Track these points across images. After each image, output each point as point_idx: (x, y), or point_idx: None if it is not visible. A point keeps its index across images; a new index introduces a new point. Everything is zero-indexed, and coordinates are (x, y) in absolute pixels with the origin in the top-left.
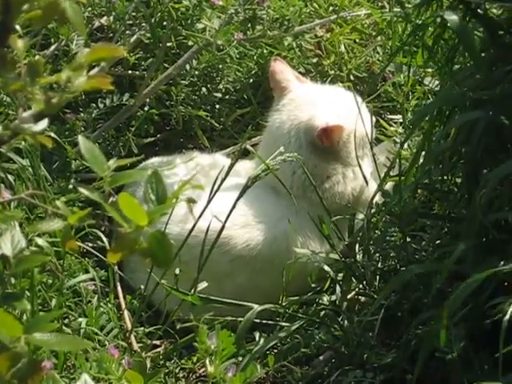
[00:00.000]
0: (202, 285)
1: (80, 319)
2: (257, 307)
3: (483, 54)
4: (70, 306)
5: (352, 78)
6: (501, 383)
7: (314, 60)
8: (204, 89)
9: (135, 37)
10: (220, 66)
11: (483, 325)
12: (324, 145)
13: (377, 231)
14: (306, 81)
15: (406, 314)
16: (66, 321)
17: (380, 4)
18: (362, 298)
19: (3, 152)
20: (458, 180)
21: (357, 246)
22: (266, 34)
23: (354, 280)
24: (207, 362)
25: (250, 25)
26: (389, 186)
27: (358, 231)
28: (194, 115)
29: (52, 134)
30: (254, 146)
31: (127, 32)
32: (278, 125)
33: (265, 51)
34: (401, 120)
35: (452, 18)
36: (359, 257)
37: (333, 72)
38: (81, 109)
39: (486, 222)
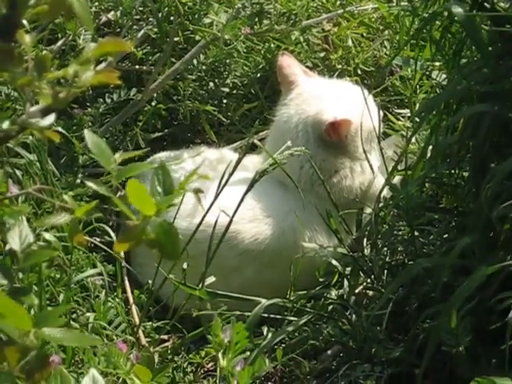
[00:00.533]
0: (210, 279)
1: (88, 314)
2: (265, 302)
3: (490, 48)
4: (77, 300)
5: (359, 72)
6: (507, 377)
7: (322, 54)
8: (211, 83)
9: (142, 32)
10: (227, 61)
11: (490, 319)
12: (332, 139)
13: (384, 225)
14: (314, 75)
15: (414, 308)
16: (74, 315)
17: None
18: (370, 293)
19: (11, 147)
20: (466, 174)
21: (364, 240)
22: (273, 28)
23: (361, 274)
24: (219, 355)
25: (257, 19)
26: (396, 180)
27: (365, 225)
28: (202, 110)
29: (59, 129)
30: (262, 141)
31: (134, 27)
32: (286, 119)
33: (272, 45)
34: (408, 114)
35: (459, 10)
36: (367, 251)
37: (340, 66)
38: (88, 104)
39: (492, 215)
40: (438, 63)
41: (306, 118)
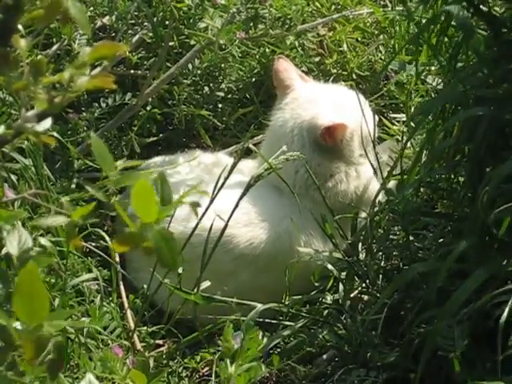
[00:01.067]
0: (205, 284)
1: (83, 318)
2: (260, 306)
3: (486, 52)
4: (73, 305)
5: (354, 76)
6: (502, 382)
7: (317, 59)
8: (206, 88)
9: (137, 36)
10: (222, 65)
11: (486, 323)
12: (327, 143)
13: (380, 230)
14: (310, 80)
15: (409, 312)
16: (69, 320)
17: (382, 3)
18: (365, 297)
19: (6, 151)
20: (461, 178)
21: (360, 244)
22: (268, 32)
23: (356, 279)
24: (227, 361)
25: (252, 24)
26: (392, 184)
27: (360, 230)
28: (197, 114)
29: (55, 134)
30: (257, 145)
31: (129, 31)
32: (281, 123)
33: (267, 50)
34: (404, 119)
35: (456, 12)
36: (362, 256)
37: (335, 71)
38: (83, 108)
39: (489, 220)
40: (433, 68)
41: (302, 123)
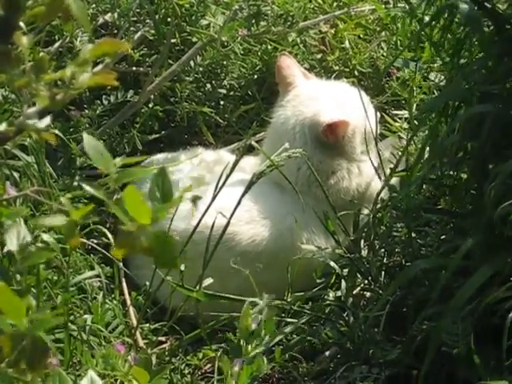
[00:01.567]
0: (208, 281)
1: (85, 316)
2: (262, 303)
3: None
4: (75, 302)
5: (356, 73)
6: (506, 381)
7: (319, 56)
8: (208, 85)
9: (139, 33)
10: (224, 63)
11: (490, 320)
12: (329, 140)
13: (382, 227)
14: (313, 77)
15: (412, 309)
16: (72, 317)
17: (384, 0)
18: (368, 294)
19: (8, 149)
20: (464, 175)
21: (362, 241)
22: (270, 29)
23: (359, 276)
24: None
25: (254, 21)
26: (394, 181)
27: (363, 227)
28: (199, 111)
29: (56, 131)
30: (259, 142)
31: (131, 29)
32: (283, 121)
33: (269, 47)
34: (406, 115)
35: (463, 6)
36: (364, 252)
37: (337, 68)
38: (85, 105)
39: (495, 217)
40: (435, 64)
41: (303, 120)
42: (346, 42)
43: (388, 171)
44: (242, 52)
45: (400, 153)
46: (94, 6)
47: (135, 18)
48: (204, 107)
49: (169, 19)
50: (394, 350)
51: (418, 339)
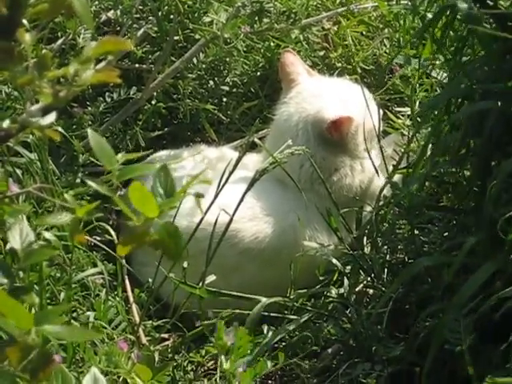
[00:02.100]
0: (210, 278)
1: (88, 313)
2: (265, 300)
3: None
4: (78, 299)
5: (359, 70)
6: (509, 377)
7: (321, 53)
8: (211, 82)
9: (142, 30)
10: (227, 60)
11: (492, 317)
12: (333, 137)
13: (385, 224)
14: (316, 74)
15: (414, 306)
16: (75, 314)
17: None
18: (370, 291)
19: (11, 146)
20: (467, 172)
21: (365, 238)
22: (273, 27)
23: (362, 273)
24: (222, 358)
25: (257, 18)
26: (396, 178)
27: (365, 224)
28: (202, 108)
29: (59, 128)
30: (262, 139)
31: (134, 26)
32: (286, 117)
33: (272, 44)
34: (408, 112)
35: (464, 6)
36: (367, 249)
37: (340, 65)
38: (88, 103)
39: (496, 214)
40: (438, 61)
41: (307, 117)
42: (349, 39)
43: (391, 168)
44: (244, 49)
45: (402, 150)
46: (96, 3)
47: (138, 15)
48: (207, 104)
49: (171, 16)
50: (397, 347)
51: (421, 336)
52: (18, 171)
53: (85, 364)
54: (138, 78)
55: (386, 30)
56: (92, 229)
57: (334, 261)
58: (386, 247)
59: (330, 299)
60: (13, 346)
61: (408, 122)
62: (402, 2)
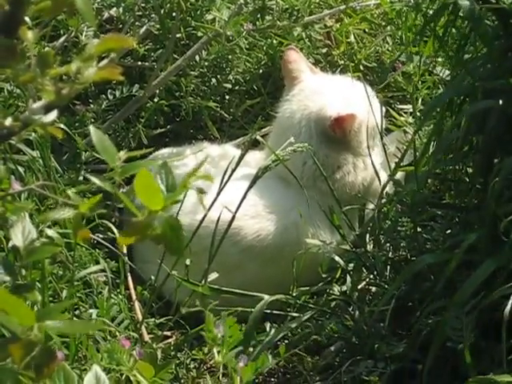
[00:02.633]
0: (213, 275)
1: (91, 310)
2: (267, 298)
3: (495, 43)
4: (80, 297)
5: (362, 68)
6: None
7: (324, 50)
8: (214, 80)
9: (144, 28)
10: (229, 57)
11: (494, 315)
12: (336, 134)
13: (387, 221)
14: (319, 72)
15: (417, 303)
16: (77, 312)
17: None
18: (373, 288)
19: (13, 143)
20: (469, 170)
21: (367, 236)
22: (275, 24)
23: (364, 270)
24: (215, 350)
25: (259, 15)
26: (399, 175)
27: (368, 221)
28: (204, 106)
29: (62, 126)
30: (264, 137)
31: (137, 23)
32: (289, 115)
33: (274, 42)
34: (411, 110)
35: (465, 3)
36: (370, 247)
37: (342, 62)
38: (90, 100)
39: (499, 211)
40: (440, 59)
41: (309, 114)
42: (351, 37)
43: (393, 165)
44: (247, 46)
45: (405, 147)
46: (99, 0)
47: (140, 13)
48: (209, 102)
49: (174, 14)
50: (400, 345)
51: (424, 334)
52: (21, 169)
53: (87, 361)
54: (141, 75)
55: (389, 28)
56: (95, 226)
57: (337, 258)
58: (388, 245)
59: (333, 297)
60: (15, 342)
61: (410, 120)
62: None
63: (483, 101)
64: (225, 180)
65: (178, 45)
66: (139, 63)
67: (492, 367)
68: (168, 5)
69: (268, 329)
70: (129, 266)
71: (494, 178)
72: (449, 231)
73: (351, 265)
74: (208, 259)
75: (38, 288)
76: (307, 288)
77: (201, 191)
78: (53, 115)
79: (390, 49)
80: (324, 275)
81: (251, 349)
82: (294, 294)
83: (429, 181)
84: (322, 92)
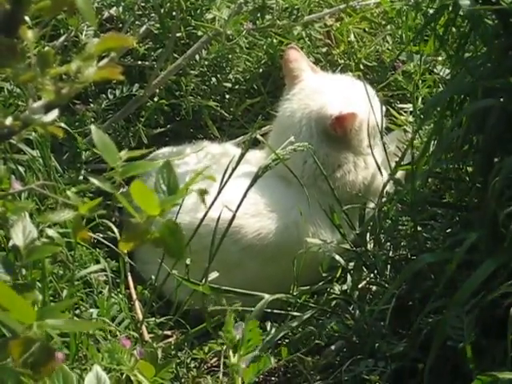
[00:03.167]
0: (213, 274)
1: (91, 310)
2: (268, 297)
3: (495, 42)
4: (81, 296)
5: (362, 67)
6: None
7: (324, 49)
8: (214, 79)
9: (144, 27)
10: (229, 56)
11: (495, 314)
12: (337, 133)
13: (388, 220)
14: (320, 71)
15: (417, 303)
16: (78, 311)
17: None
18: (373, 288)
19: (14, 143)
20: (469, 169)
21: (368, 235)
22: (275, 23)
23: (364, 269)
24: (230, 352)
25: (259, 14)
26: (399, 175)
27: (368, 220)
28: (204, 105)
29: (62, 125)
30: (265, 136)
31: (136, 22)
32: (289, 114)
33: (274, 41)
34: (411, 109)
35: (465, 2)
36: (370, 246)
37: (342, 61)
38: (91, 99)
39: (499, 210)
40: (440, 58)
41: (310, 113)
42: (352, 36)
43: (393, 165)
44: (247, 46)
45: (405, 146)
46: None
47: (140, 12)
48: (209, 101)
49: (174, 13)
50: (400, 344)
51: (424, 333)
52: (21, 168)
53: (88, 361)
54: (141, 74)
55: (389, 27)
56: (95, 226)
57: (337, 257)
58: (388, 244)
59: (333, 296)
60: (14, 340)
61: (411, 119)
62: None
63: (483, 99)
64: (225, 179)
65: (177, 44)
66: (139, 62)
67: (493, 366)
68: (168, 4)
69: (268, 328)
70: (129, 265)
71: (494, 177)
72: (449, 230)
73: (352, 264)
74: (208, 258)
75: (38, 287)
76: (308, 287)
77: (203, 192)
78: (53, 115)
79: (390, 48)
80: (324, 274)
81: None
82: (295, 293)
83: (429, 180)
84: (322, 91)
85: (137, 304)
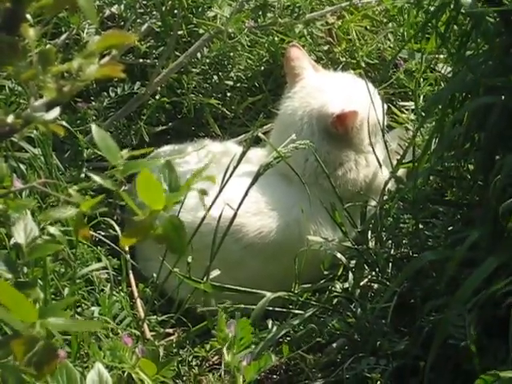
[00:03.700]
0: (215, 273)
1: (93, 308)
2: (269, 295)
3: (497, 40)
4: (82, 294)
5: (363, 65)
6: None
7: (325, 47)
8: (215, 77)
9: (146, 25)
10: (231, 54)
11: (496, 312)
12: (338, 131)
13: (389, 218)
14: (322, 69)
15: (419, 300)
16: (79, 309)
17: None
18: (375, 285)
19: (15, 141)
20: (470, 167)
21: (369, 233)
22: (277, 21)
23: (366, 267)
24: (224, 350)
25: (261, 12)
26: (401, 172)
27: (370, 218)
28: (206, 103)
29: (63, 123)
30: (266, 134)
31: (138, 20)
32: (290, 112)
33: (276, 39)
34: (412, 107)
35: (467, 0)
36: (372, 244)
37: (344, 59)
38: (92, 97)
39: (501, 208)
40: (442, 56)
41: (311, 111)
42: (353, 34)
43: (395, 162)
44: (248, 44)
45: (407, 144)
46: None
47: (142, 10)
48: (211, 99)
49: (175, 11)
50: (402, 342)
51: (426, 331)
52: (22, 166)
53: (89, 359)
54: (142, 72)
55: (390, 25)
56: (96, 224)
57: (339, 255)
58: (390, 242)
59: (335, 294)
60: (17, 339)
61: (412, 117)
62: None
63: (485, 97)
64: (226, 177)
65: (179, 42)
66: (141, 60)
67: (495, 364)
68: (169, 2)
69: (270, 326)
70: (131, 263)
71: (495, 175)
72: (451, 228)
73: (353, 262)
74: (210, 256)
75: (40, 285)
76: (309, 285)
77: (203, 193)
78: (54, 113)
79: (391, 46)
80: (326, 272)
81: (253, 346)
82: (296, 291)
83: (431, 178)
84: (323, 89)
85: (138, 302)
